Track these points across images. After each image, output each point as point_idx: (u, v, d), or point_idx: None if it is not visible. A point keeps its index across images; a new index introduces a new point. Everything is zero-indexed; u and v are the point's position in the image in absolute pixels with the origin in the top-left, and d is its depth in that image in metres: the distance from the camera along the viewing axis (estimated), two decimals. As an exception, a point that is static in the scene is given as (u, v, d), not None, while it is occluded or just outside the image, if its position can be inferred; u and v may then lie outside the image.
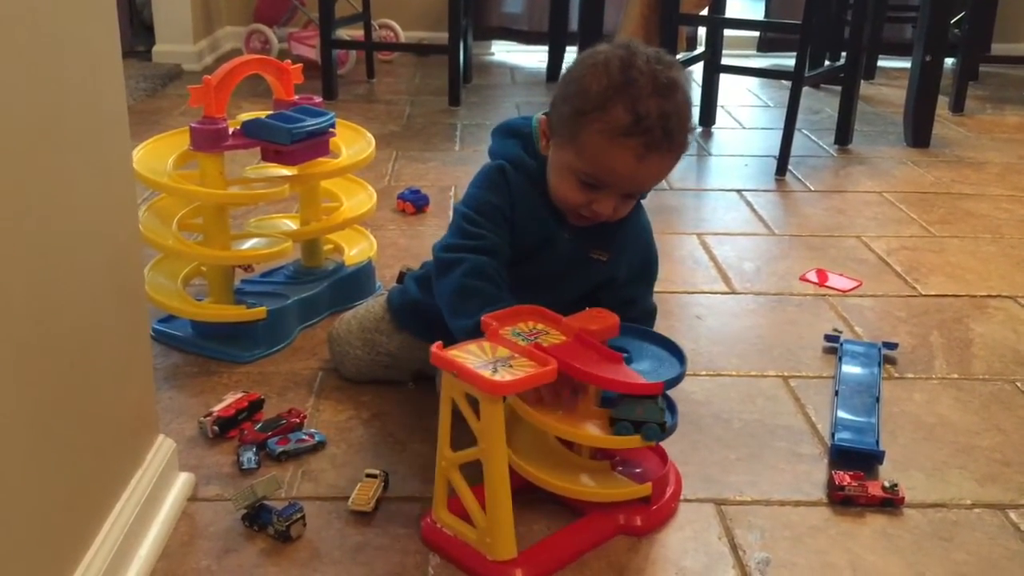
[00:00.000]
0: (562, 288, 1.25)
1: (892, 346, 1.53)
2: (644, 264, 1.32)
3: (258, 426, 1.25)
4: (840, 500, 1.15)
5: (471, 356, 1.01)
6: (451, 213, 2.09)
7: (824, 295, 1.76)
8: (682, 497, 1.16)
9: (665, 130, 1.12)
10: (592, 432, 1.07)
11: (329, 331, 1.44)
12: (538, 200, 1.22)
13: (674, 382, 1.06)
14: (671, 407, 1.11)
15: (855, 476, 1.17)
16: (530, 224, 1.23)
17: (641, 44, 1.17)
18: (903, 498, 1.16)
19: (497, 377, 0.97)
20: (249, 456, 1.19)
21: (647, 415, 1.05)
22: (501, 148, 1.27)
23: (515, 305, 1.12)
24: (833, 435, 1.26)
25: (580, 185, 1.17)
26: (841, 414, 1.31)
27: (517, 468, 1.09)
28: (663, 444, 1.16)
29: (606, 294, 1.28)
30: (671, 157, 1.16)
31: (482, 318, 1.08)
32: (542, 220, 1.23)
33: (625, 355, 1.08)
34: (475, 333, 1.09)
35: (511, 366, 1.00)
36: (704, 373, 1.46)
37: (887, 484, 1.16)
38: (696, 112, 2.97)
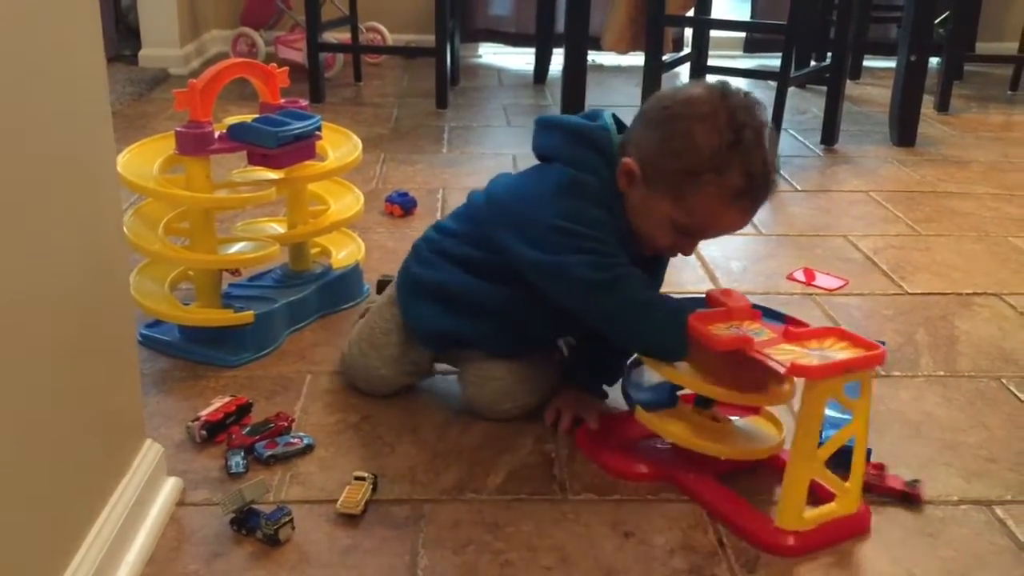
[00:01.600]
0: None
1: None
2: (659, 286, 1.37)
3: (246, 430, 1.25)
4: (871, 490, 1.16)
5: (802, 357, 1.04)
6: (439, 214, 2.09)
7: (811, 294, 1.76)
8: (671, 496, 1.17)
9: (772, 185, 1.16)
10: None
11: (343, 359, 1.40)
12: (613, 221, 1.20)
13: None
14: None
15: (875, 466, 1.18)
16: (619, 242, 1.21)
17: (729, 85, 1.18)
18: (921, 496, 1.16)
19: (860, 354, 1.05)
20: (237, 460, 1.19)
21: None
22: (581, 158, 1.21)
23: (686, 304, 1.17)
24: (820, 432, 1.26)
25: (674, 231, 1.19)
26: (827, 412, 1.31)
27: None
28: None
29: None
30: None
31: (694, 322, 1.11)
32: (624, 237, 1.21)
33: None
34: (683, 343, 1.12)
35: (827, 351, 1.06)
36: (692, 373, 1.47)
37: (910, 480, 1.17)
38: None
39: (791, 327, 1.12)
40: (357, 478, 1.15)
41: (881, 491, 1.16)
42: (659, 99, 1.21)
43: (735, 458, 1.19)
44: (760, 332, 1.10)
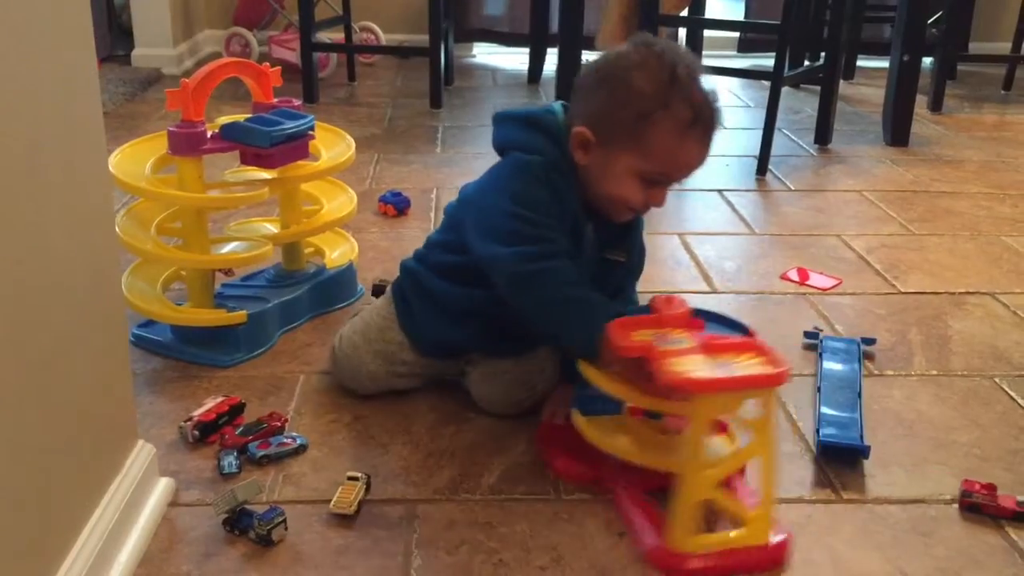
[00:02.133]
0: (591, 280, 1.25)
1: (870, 341, 1.54)
2: (640, 258, 1.38)
3: (239, 430, 1.24)
4: (967, 507, 1.14)
5: (699, 369, 1.00)
6: (433, 214, 2.09)
7: (804, 293, 1.76)
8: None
9: (715, 112, 1.20)
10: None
11: (333, 352, 1.39)
12: (570, 197, 1.23)
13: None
14: None
15: (986, 486, 1.15)
16: (567, 217, 1.23)
17: (650, 36, 1.23)
18: None
19: (761, 371, 1.01)
20: (230, 460, 1.19)
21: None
22: (529, 141, 1.24)
23: (617, 307, 1.15)
24: (818, 431, 1.27)
25: (642, 184, 1.21)
26: (824, 410, 1.32)
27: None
28: None
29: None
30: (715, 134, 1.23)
31: (612, 327, 1.08)
32: (575, 213, 1.24)
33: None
34: (595, 345, 1.10)
35: (735, 365, 1.02)
36: (685, 372, 1.47)
37: (1021, 499, 1.14)
38: (677, 113, 2.99)
39: (711, 339, 1.07)
40: (350, 478, 1.14)
41: (993, 512, 1.14)
42: (590, 67, 1.25)
43: (658, 468, 1.11)
44: (680, 341, 1.05)
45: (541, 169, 1.21)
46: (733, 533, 1.06)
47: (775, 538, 1.06)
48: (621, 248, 1.30)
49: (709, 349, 1.05)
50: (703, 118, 1.18)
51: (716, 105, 1.20)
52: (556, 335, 1.21)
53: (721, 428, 1.19)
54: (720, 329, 1.14)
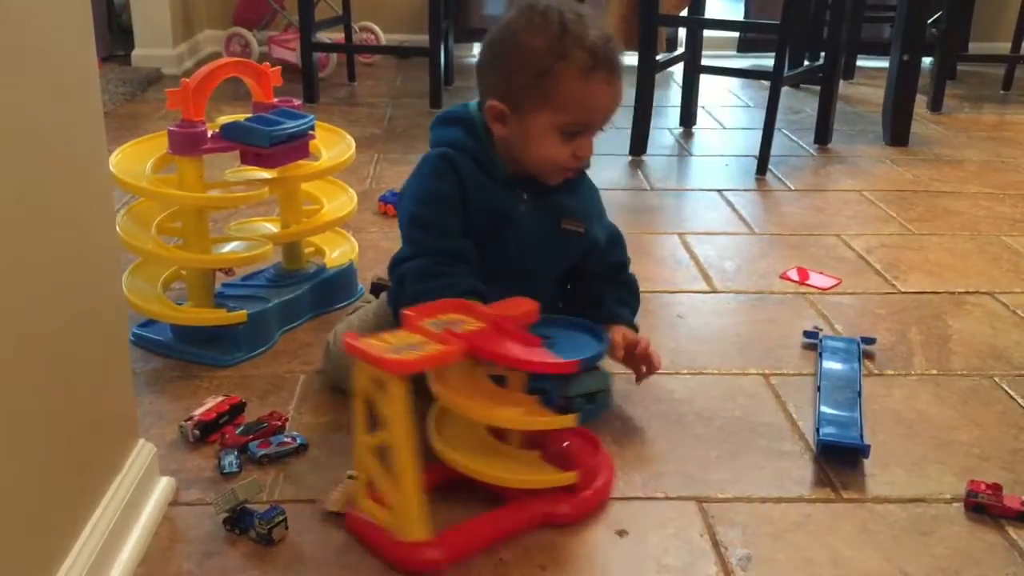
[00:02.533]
0: (541, 264, 1.27)
1: (870, 341, 1.54)
2: (610, 226, 1.39)
3: (239, 429, 1.24)
4: (972, 507, 1.14)
5: (381, 343, 1.03)
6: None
7: (804, 293, 1.76)
8: (664, 495, 1.17)
9: (613, 52, 1.21)
10: (514, 415, 1.10)
11: (327, 349, 1.39)
12: (487, 180, 1.25)
13: (593, 360, 1.12)
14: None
15: (991, 486, 1.15)
16: (484, 205, 1.25)
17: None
18: None
19: (395, 356, 1.00)
20: (230, 460, 1.19)
21: (596, 384, 1.13)
22: (443, 136, 1.30)
23: (474, 286, 1.17)
24: (818, 430, 1.27)
25: (563, 139, 1.22)
26: (824, 409, 1.32)
27: (442, 456, 1.10)
28: (599, 436, 1.21)
29: (593, 265, 1.34)
30: (621, 76, 1.24)
31: (402, 311, 1.10)
32: (494, 198, 1.26)
33: (548, 339, 1.12)
34: None
35: (421, 350, 1.02)
36: (685, 372, 1.47)
37: None
38: (676, 113, 2.99)
39: (498, 324, 1.09)
40: (350, 477, 1.15)
41: (998, 512, 1.13)
42: (483, 44, 1.28)
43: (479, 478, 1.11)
44: (458, 324, 1.08)
45: (443, 160, 1.26)
46: (381, 510, 1.05)
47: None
48: (571, 214, 1.31)
49: (479, 339, 1.06)
50: (602, 59, 1.20)
51: (612, 44, 1.21)
52: None
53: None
54: (575, 336, 1.16)
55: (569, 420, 1.09)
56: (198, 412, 1.26)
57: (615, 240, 1.41)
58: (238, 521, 1.07)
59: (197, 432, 1.24)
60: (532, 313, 1.13)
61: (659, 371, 1.35)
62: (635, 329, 1.37)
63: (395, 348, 1.02)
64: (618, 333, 1.31)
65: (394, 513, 1.03)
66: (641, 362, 1.32)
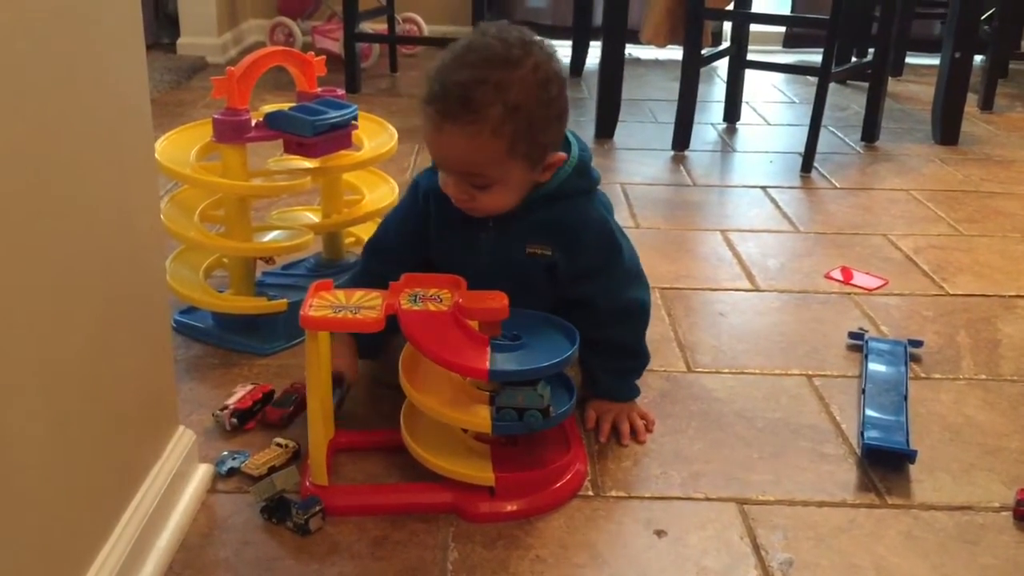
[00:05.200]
0: (508, 287, 1.17)
1: (917, 343, 1.51)
2: (603, 258, 1.25)
3: (274, 403, 1.29)
4: (1021, 516, 1.12)
5: (330, 299, 1.12)
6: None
7: (849, 293, 1.73)
8: (704, 495, 1.15)
9: (464, 98, 1.10)
10: (440, 407, 1.12)
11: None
12: (451, 206, 1.21)
13: (518, 375, 1.08)
14: (569, 392, 1.16)
15: None
16: (446, 230, 1.25)
17: (506, 25, 1.18)
18: None
19: (314, 313, 1.08)
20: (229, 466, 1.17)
21: (527, 402, 1.08)
22: None
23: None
24: (862, 434, 1.24)
25: (436, 169, 1.21)
26: (869, 412, 1.29)
27: (404, 437, 1.16)
28: (585, 441, 1.23)
29: (563, 293, 1.26)
30: (474, 131, 1.11)
31: (392, 284, 1.15)
32: (456, 224, 1.23)
33: (519, 340, 1.12)
34: None
35: (356, 310, 1.09)
36: (727, 371, 1.45)
37: None
38: (720, 108, 2.95)
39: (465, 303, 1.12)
40: (277, 444, 1.19)
41: None
42: None
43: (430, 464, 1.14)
44: (436, 298, 1.14)
45: (410, 188, 1.31)
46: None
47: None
48: (539, 240, 1.22)
49: (411, 317, 1.10)
50: (439, 98, 1.11)
51: (470, 93, 1.09)
52: None
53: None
54: (549, 339, 1.15)
55: (480, 424, 1.09)
56: (232, 401, 1.27)
57: (630, 314, 1.29)
58: (276, 510, 1.07)
59: (235, 420, 1.24)
60: (501, 311, 1.11)
61: (648, 432, 1.28)
62: (630, 390, 1.31)
63: (334, 306, 1.10)
64: (591, 409, 1.29)
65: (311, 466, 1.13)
66: (619, 436, 1.27)
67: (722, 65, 3.05)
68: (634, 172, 2.42)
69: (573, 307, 1.25)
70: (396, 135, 1.63)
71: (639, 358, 1.33)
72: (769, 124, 2.97)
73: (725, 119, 2.93)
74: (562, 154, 1.21)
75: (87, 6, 0.84)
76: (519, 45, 1.13)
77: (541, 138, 1.16)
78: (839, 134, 2.82)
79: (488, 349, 1.08)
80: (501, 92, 1.10)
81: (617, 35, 2.71)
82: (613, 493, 1.15)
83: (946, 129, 2.73)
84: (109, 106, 0.89)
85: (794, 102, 3.22)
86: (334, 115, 1.46)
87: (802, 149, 2.47)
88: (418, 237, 1.29)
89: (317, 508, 1.06)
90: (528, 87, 1.12)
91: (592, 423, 1.28)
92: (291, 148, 1.47)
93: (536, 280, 1.25)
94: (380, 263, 1.30)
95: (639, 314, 1.30)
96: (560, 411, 1.12)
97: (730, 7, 2.85)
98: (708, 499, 1.15)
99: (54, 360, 0.80)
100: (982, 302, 1.71)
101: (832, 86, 2.62)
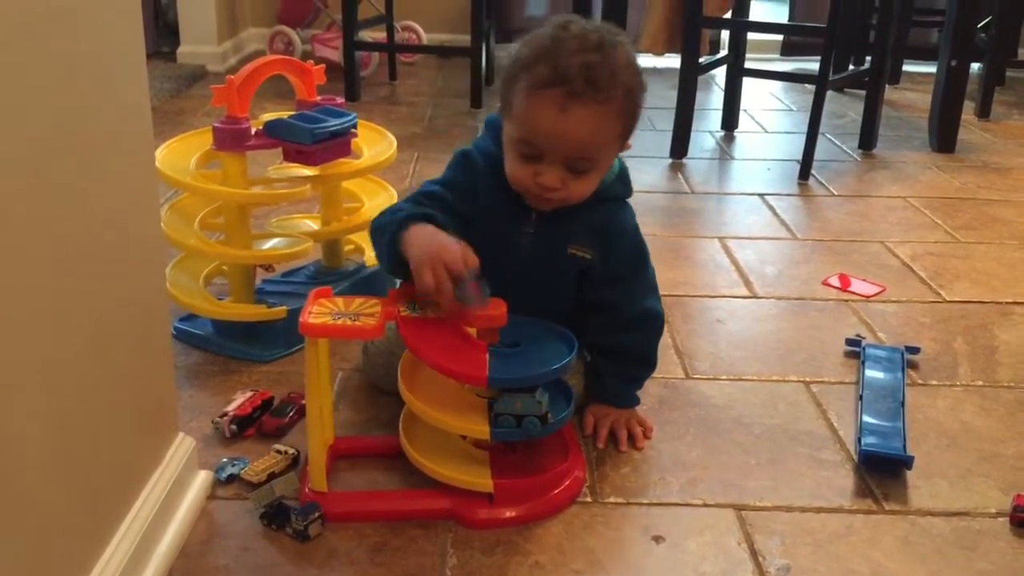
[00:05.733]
0: (539, 286, 1.21)
1: (914, 350, 1.52)
2: (632, 265, 1.28)
3: (271, 412, 1.29)
4: (1018, 522, 1.12)
5: (329, 307, 1.12)
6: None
7: (847, 300, 1.74)
8: (701, 501, 1.16)
9: (589, 79, 1.10)
10: (438, 414, 1.11)
11: (364, 345, 1.39)
12: (499, 191, 1.21)
13: (517, 381, 1.09)
14: (567, 399, 1.15)
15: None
16: (491, 215, 1.22)
17: (583, 19, 1.17)
18: None
19: (314, 320, 1.08)
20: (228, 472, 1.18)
21: (526, 409, 1.08)
22: (479, 140, 1.27)
23: (429, 212, 1.15)
24: (859, 440, 1.25)
25: (522, 158, 1.16)
26: (867, 419, 1.30)
27: (403, 443, 1.17)
28: (583, 449, 1.23)
29: (589, 296, 1.27)
30: (602, 112, 1.12)
31: (394, 291, 1.16)
32: (501, 211, 1.22)
33: (517, 347, 1.12)
34: (394, 253, 1.12)
35: (355, 317, 1.09)
36: (725, 378, 1.45)
37: None
38: (718, 116, 2.97)
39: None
40: (276, 451, 1.19)
41: None
42: None
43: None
44: (434, 305, 1.12)
45: (463, 157, 1.24)
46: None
47: None
48: (581, 243, 1.23)
49: (410, 325, 1.11)
50: (564, 79, 1.09)
51: (594, 73, 1.10)
52: (384, 267, 1.21)
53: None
54: (551, 342, 1.15)
55: (479, 431, 1.09)
56: (231, 408, 1.27)
57: (649, 322, 1.30)
58: (275, 517, 1.08)
59: (234, 427, 1.25)
60: (499, 318, 1.10)
61: (647, 439, 1.28)
62: (633, 397, 1.32)
63: (334, 313, 1.10)
64: (590, 414, 1.30)
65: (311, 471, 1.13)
66: (617, 442, 1.27)
67: (720, 73, 3.06)
68: (632, 179, 2.42)
69: (593, 311, 1.27)
70: (395, 143, 1.64)
71: (649, 367, 1.34)
72: (767, 132, 2.98)
73: (723, 127, 2.94)
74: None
75: (88, 14, 0.85)
76: (608, 33, 1.15)
77: (633, 125, 1.19)
78: (837, 142, 2.83)
79: (486, 356, 1.09)
80: (616, 75, 1.12)
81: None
82: (611, 499, 1.16)
83: (943, 137, 2.74)
84: (110, 114, 0.90)
85: (792, 110, 3.24)
86: (333, 123, 1.47)
87: (800, 157, 2.48)
88: (464, 202, 1.22)
89: (316, 514, 1.07)
90: (632, 73, 1.16)
91: (590, 428, 1.28)
92: (291, 156, 1.48)
93: (568, 281, 1.26)
94: (432, 204, 1.20)
95: (656, 323, 1.32)
96: (558, 418, 1.12)
97: (728, 16, 2.86)
98: (706, 505, 1.15)
99: (54, 366, 0.81)
100: (979, 309, 1.72)
101: (829, 94, 2.64)
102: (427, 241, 1.10)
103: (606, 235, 1.24)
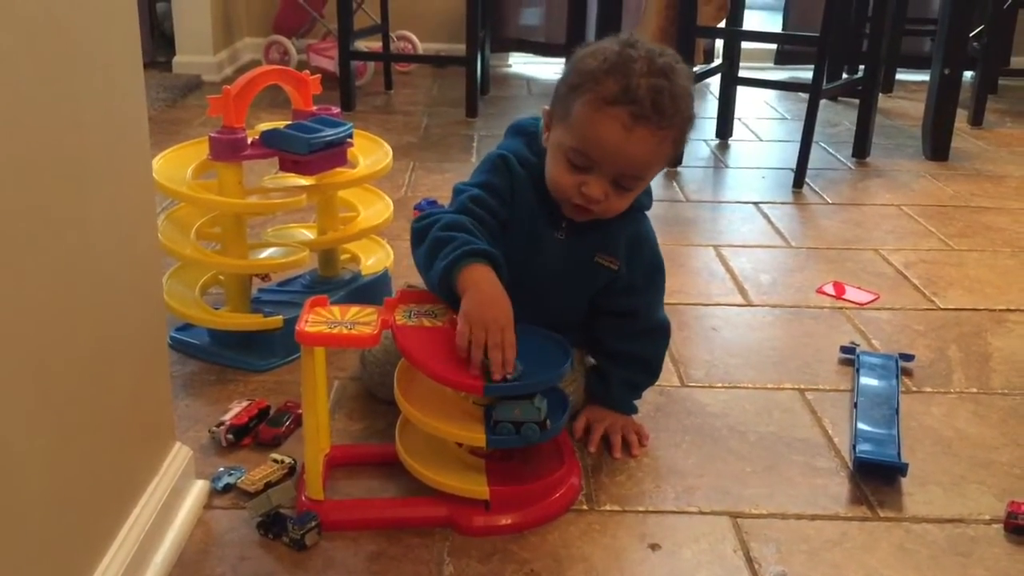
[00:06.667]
0: (562, 291, 1.24)
1: (909, 357, 1.52)
2: (650, 275, 1.30)
3: (267, 421, 1.29)
4: (1012, 529, 1.13)
5: (325, 315, 1.12)
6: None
7: (841, 308, 1.75)
8: (697, 509, 1.16)
9: (655, 104, 1.11)
10: (435, 422, 1.11)
11: (361, 354, 1.40)
12: (534, 196, 1.22)
13: (513, 389, 1.08)
14: (563, 405, 1.15)
15: (1019, 505, 1.14)
16: (523, 219, 1.23)
17: (641, 41, 1.18)
18: None
19: (310, 329, 1.08)
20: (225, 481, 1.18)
21: (525, 416, 1.09)
22: (508, 145, 1.27)
23: (490, 250, 1.13)
24: (854, 447, 1.25)
25: (570, 166, 1.16)
26: (861, 426, 1.31)
27: (399, 451, 1.17)
28: (579, 455, 1.23)
29: (605, 303, 1.28)
30: (661, 136, 1.13)
31: (390, 299, 1.16)
32: (534, 216, 1.23)
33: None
34: (445, 278, 1.11)
35: (351, 326, 1.09)
36: (720, 385, 1.46)
37: None
38: (713, 124, 2.98)
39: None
40: (273, 460, 1.19)
41: None
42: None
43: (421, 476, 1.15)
44: (430, 313, 1.16)
45: (500, 160, 1.23)
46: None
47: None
48: (609, 252, 1.24)
49: (407, 333, 1.13)
50: (632, 99, 1.11)
51: (661, 97, 1.11)
52: (428, 279, 1.19)
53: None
54: (547, 349, 1.14)
55: (475, 438, 1.09)
56: (228, 417, 1.27)
57: (659, 332, 1.33)
58: (272, 526, 1.08)
59: (231, 436, 1.25)
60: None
61: (642, 447, 1.29)
62: (632, 405, 1.33)
63: (330, 322, 1.10)
64: (584, 416, 1.31)
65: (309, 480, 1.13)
66: (611, 448, 1.28)
67: (714, 82, 3.08)
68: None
69: (608, 317, 1.28)
70: (391, 152, 1.64)
71: (653, 376, 1.35)
72: (761, 140, 2.99)
73: (717, 135, 2.95)
74: None
75: (85, 24, 0.85)
76: (673, 59, 1.17)
77: (679, 153, 1.20)
78: (830, 150, 2.84)
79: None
80: (678, 103, 1.14)
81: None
82: (607, 507, 1.16)
83: (936, 145, 2.75)
84: (107, 124, 0.91)
85: (786, 118, 3.25)
86: (329, 133, 1.47)
87: (794, 165, 2.49)
88: (505, 206, 1.23)
89: (313, 523, 1.07)
90: (689, 103, 1.17)
91: (581, 431, 1.29)
92: (287, 166, 1.48)
93: (591, 290, 1.27)
94: (469, 213, 1.20)
95: (666, 333, 1.33)
96: (555, 424, 1.12)
97: (721, 25, 2.88)
98: (702, 513, 1.16)
99: (51, 376, 0.81)
100: (973, 316, 1.73)
101: (823, 102, 2.65)
102: (487, 303, 1.09)
103: (631, 245, 1.26)
